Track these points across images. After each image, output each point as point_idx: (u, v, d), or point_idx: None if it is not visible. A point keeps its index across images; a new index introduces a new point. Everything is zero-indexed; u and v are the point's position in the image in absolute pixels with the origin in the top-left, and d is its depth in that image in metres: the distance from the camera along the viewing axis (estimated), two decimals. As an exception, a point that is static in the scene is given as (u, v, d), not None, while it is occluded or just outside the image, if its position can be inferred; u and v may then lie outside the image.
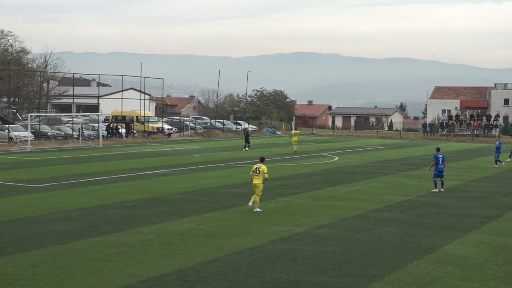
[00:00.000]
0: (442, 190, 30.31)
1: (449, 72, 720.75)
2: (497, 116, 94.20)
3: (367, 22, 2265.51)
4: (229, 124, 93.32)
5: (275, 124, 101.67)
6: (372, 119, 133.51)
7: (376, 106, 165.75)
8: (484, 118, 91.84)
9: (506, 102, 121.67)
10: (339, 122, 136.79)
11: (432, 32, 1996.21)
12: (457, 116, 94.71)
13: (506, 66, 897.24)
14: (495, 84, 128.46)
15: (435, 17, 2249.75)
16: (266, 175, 24.06)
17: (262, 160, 24.70)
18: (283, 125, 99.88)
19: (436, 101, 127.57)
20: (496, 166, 43.93)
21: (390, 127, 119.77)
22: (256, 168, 24.04)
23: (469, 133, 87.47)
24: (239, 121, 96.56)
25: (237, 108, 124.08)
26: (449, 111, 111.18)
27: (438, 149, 31.60)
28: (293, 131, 57.10)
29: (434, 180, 30.58)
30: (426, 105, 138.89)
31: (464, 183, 34.33)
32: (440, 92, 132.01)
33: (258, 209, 24.00)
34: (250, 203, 24.21)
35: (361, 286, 14.46)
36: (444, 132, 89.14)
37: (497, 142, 45.36)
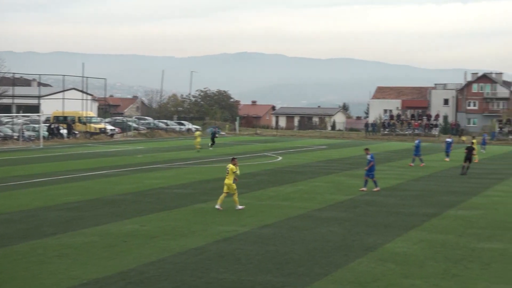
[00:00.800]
0: (365, 189, 30.65)
1: (391, 73, 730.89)
2: (437, 115, 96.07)
3: (311, 22, 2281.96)
4: (172, 124, 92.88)
5: (219, 124, 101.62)
6: (316, 119, 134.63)
7: (319, 106, 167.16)
8: (425, 117, 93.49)
9: (446, 102, 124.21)
10: (282, 122, 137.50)
11: (374, 33, 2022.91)
12: (399, 115, 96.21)
13: (446, 67, 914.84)
14: (435, 84, 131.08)
15: (377, 18, 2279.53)
16: (238, 172, 24.72)
17: (233, 160, 25.07)
18: (227, 125, 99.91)
19: (378, 101, 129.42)
20: (412, 164, 44.54)
21: (333, 127, 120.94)
22: (226, 168, 24.71)
23: (410, 132, 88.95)
24: (182, 122, 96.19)
25: (181, 108, 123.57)
26: (391, 111, 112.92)
27: (367, 150, 31.76)
28: (197, 132, 57.27)
29: (374, 180, 30.92)
30: (368, 105, 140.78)
31: (405, 182, 34.89)
32: (382, 92, 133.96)
33: (240, 207, 24.62)
34: (218, 206, 24.55)
35: (304, 285, 14.58)
36: (386, 132, 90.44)
37: (416, 141, 46.19)
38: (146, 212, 23.77)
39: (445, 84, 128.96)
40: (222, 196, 24.84)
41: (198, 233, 20.10)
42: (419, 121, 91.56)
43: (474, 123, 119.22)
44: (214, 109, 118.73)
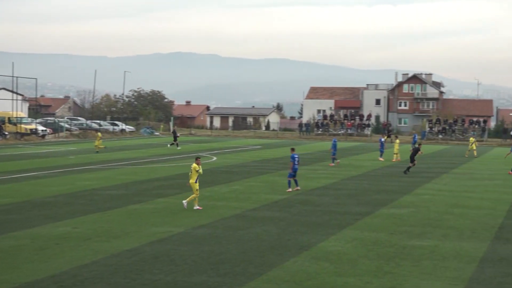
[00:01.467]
0: (299, 188, 30.79)
1: (324, 73, 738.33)
2: (369, 115, 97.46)
3: (245, 23, 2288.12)
4: (106, 125, 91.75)
5: (153, 124, 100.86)
6: (250, 119, 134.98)
7: (253, 107, 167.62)
8: (357, 117, 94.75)
9: (378, 102, 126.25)
10: (217, 122, 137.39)
11: (308, 34, 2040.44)
12: (332, 115, 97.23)
13: (377, 68, 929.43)
14: (367, 84, 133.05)
15: (310, 19, 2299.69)
16: (201, 171, 25.01)
17: (196, 159, 25.44)
18: (161, 126, 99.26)
19: (311, 101, 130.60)
20: (333, 164, 45.09)
21: (267, 127, 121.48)
22: (190, 168, 25.04)
23: (343, 132, 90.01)
24: (116, 122, 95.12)
25: (114, 109, 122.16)
26: (324, 111, 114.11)
27: (293, 149, 31.86)
28: (99, 134, 57.07)
29: (289, 180, 31.01)
30: (302, 105, 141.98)
31: (338, 181, 35.30)
32: (315, 93, 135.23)
33: (198, 207, 24.87)
34: (184, 202, 25.01)
35: (239, 284, 14.60)
36: (319, 132, 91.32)
37: (333, 140, 46.87)
38: (78, 214, 23.41)
39: (376, 85, 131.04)
40: (193, 196, 25.00)
41: (132, 234, 19.91)
42: (352, 121, 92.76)
43: (405, 123, 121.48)
44: (148, 110, 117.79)
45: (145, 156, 50.35)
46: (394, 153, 50.39)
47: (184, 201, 25.15)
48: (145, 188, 30.75)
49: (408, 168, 40.65)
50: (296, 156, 30.70)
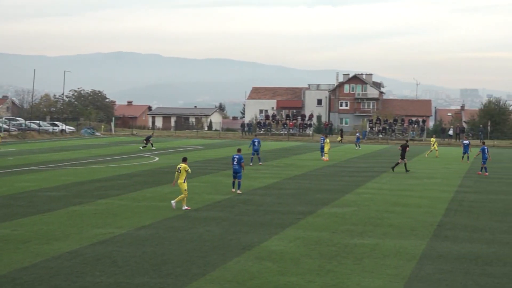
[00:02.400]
0: (239, 191, 30.04)
1: (266, 73, 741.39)
2: (311, 115, 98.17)
3: (187, 23, 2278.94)
4: (45, 125, 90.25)
5: (94, 125, 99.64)
6: (192, 119, 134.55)
7: (196, 107, 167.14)
8: (299, 117, 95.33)
9: (319, 102, 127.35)
10: (159, 122, 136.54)
11: (250, 34, 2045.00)
12: (274, 116, 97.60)
13: (318, 68, 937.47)
14: (309, 85, 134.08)
15: (252, 19, 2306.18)
16: (190, 170, 25.26)
17: (184, 160, 25.64)
18: (102, 126, 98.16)
19: (253, 101, 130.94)
20: (261, 163, 45.13)
21: (210, 127, 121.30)
22: (178, 167, 25.05)
23: (285, 132, 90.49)
24: (56, 122, 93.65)
25: (54, 109, 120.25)
26: (266, 111, 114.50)
27: (239, 150, 31.34)
28: (1, 134, 56.45)
29: (233, 181, 30.75)
30: (244, 105, 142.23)
31: (280, 181, 35.47)
32: (257, 93, 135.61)
33: (186, 207, 24.96)
34: (173, 202, 24.97)
35: (182, 285, 14.55)
36: (261, 132, 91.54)
37: (255, 139, 47.08)
38: (17, 216, 22.98)
39: (318, 85, 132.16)
40: (182, 196, 25.09)
41: (73, 236, 19.64)
42: (294, 121, 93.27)
43: (346, 123, 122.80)
44: (89, 110, 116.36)
45: (86, 157, 49.72)
46: (325, 153, 50.76)
47: (172, 201, 25.09)
48: (86, 189, 30.37)
49: (397, 164, 42.12)
50: (236, 156, 30.14)
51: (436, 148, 57.67)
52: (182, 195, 25.06)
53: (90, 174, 37.20)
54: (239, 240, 19.37)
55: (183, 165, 25.17)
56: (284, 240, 19.52)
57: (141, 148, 59.97)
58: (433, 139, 59.01)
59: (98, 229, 20.79)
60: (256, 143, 45.25)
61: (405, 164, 42.12)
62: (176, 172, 25.26)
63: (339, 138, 79.93)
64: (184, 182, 25.00)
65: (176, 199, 25.20)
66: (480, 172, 41.38)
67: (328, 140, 51.78)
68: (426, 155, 57.34)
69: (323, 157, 50.47)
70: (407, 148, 42.85)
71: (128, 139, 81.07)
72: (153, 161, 46.97)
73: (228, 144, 71.49)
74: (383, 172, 41.46)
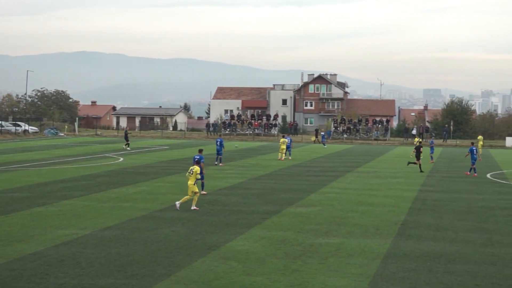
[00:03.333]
0: (204, 192, 29.56)
1: (232, 73, 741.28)
2: (276, 115, 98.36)
3: (152, 22, 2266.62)
4: (8, 125, 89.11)
5: (57, 125, 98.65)
6: (157, 120, 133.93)
7: (160, 107, 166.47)
8: (264, 117, 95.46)
9: (284, 102, 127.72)
10: (123, 122, 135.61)
11: (215, 34, 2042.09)
12: (239, 116, 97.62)
13: (284, 68, 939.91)
14: (274, 85, 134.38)
15: (217, 19, 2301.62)
16: (198, 176, 25.10)
17: (197, 162, 25.93)
18: (66, 126, 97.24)
19: (219, 101, 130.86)
20: (218, 163, 44.99)
21: (175, 127, 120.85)
22: (191, 169, 25.09)
23: (251, 132, 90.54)
24: (18, 123, 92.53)
25: (17, 109, 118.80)
26: (231, 111, 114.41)
27: (200, 151, 31.02)
28: None
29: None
30: (209, 105, 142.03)
31: (246, 181, 35.50)
32: (222, 93, 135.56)
33: (195, 207, 25.03)
34: (177, 203, 25.09)
35: (147, 286, 14.48)
36: (227, 132, 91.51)
37: (218, 139, 47.23)
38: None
39: (283, 85, 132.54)
40: (187, 197, 25.20)
41: (36, 237, 19.43)
42: (259, 121, 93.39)
43: (311, 123, 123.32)
44: (52, 110, 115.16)
45: (49, 158, 49.21)
46: (280, 152, 50.89)
47: (177, 202, 25.24)
48: (49, 190, 30.07)
49: (412, 163, 43.17)
50: (196, 157, 29.56)
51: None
52: (188, 196, 25.18)
53: (54, 175, 36.84)
54: (204, 240, 19.34)
55: (196, 167, 25.32)
56: (249, 240, 19.54)
57: (126, 147, 59.87)
58: (416, 139, 58.23)
59: (62, 230, 20.60)
60: (217, 143, 45.16)
61: (419, 165, 42.63)
62: (188, 173, 25.34)
63: (314, 138, 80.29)
64: (194, 184, 25.12)
65: (181, 200, 25.32)
66: (468, 173, 41.34)
67: (283, 139, 51.40)
68: (410, 156, 56.75)
69: (289, 157, 50.66)
70: (421, 149, 43.46)
71: (92, 139, 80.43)
72: (118, 162, 46.67)
73: (193, 144, 71.29)
74: (347, 172, 41.71)
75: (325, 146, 70.30)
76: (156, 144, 71.93)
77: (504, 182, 37.35)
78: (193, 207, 25.17)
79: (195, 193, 25.19)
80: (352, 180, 37.05)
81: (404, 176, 39.40)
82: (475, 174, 40.77)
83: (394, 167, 46.47)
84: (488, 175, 40.92)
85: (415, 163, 42.97)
